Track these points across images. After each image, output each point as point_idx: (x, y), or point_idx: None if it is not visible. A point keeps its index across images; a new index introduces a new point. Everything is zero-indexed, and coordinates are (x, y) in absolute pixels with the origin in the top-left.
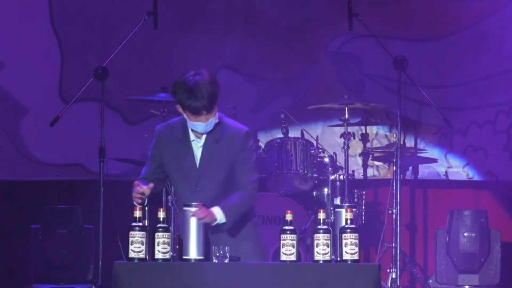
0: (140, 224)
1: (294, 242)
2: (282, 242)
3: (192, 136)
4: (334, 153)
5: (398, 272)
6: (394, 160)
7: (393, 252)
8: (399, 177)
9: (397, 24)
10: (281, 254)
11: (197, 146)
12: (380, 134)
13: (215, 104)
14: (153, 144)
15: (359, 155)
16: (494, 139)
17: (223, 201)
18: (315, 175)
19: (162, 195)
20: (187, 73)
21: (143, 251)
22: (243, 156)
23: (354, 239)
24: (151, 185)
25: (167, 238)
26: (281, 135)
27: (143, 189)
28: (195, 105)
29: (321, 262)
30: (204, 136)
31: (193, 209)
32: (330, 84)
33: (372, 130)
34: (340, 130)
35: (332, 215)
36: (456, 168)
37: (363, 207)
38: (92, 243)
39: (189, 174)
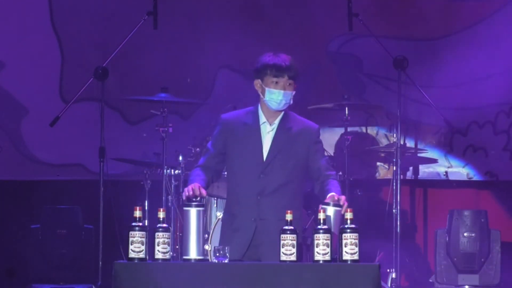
0: (140, 224)
1: (294, 242)
2: (282, 242)
3: (262, 119)
4: (334, 153)
5: (398, 272)
6: (394, 160)
7: (393, 252)
8: (399, 177)
9: (397, 24)
10: (281, 254)
11: (266, 130)
12: (380, 134)
13: (296, 79)
14: (216, 132)
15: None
16: (494, 139)
17: (333, 188)
18: None
19: (162, 195)
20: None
21: (143, 251)
22: (318, 147)
23: (354, 239)
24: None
25: (167, 238)
26: None
27: (198, 192)
28: (279, 68)
29: (321, 262)
30: (276, 122)
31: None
32: (330, 84)
33: (372, 130)
34: (340, 130)
35: None
36: (456, 168)
37: (363, 207)
38: (92, 243)
39: (255, 161)
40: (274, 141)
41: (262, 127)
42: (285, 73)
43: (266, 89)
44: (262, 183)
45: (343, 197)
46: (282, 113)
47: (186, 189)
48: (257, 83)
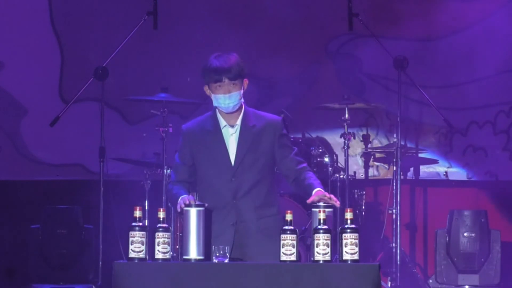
0: (140, 224)
1: (294, 242)
2: (282, 242)
3: (222, 123)
4: (335, 153)
5: (398, 272)
6: (394, 160)
7: (393, 252)
8: (399, 177)
9: (397, 24)
10: (281, 254)
11: (229, 133)
12: (380, 134)
13: (240, 79)
14: (181, 144)
15: (361, 157)
16: (494, 139)
17: (314, 182)
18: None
19: (162, 195)
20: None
21: (143, 251)
22: (284, 140)
23: (354, 239)
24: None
25: (167, 238)
26: None
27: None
28: (216, 72)
29: (321, 262)
30: (238, 123)
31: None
32: (330, 84)
33: (372, 130)
34: (340, 130)
35: None
36: (456, 168)
37: (363, 207)
38: (92, 243)
39: (224, 166)
40: (240, 142)
41: (223, 130)
42: (224, 76)
43: (213, 96)
44: (235, 186)
45: (332, 196)
46: (242, 112)
47: (180, 201)
48: (206, 88)
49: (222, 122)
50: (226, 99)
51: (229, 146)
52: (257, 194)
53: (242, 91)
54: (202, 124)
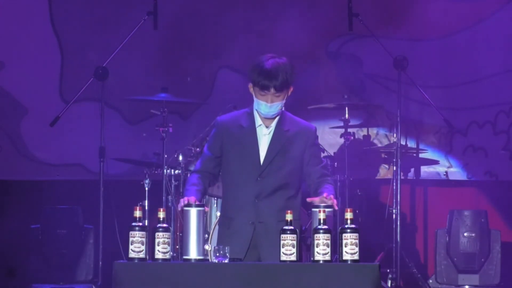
0: (140, 224)
1: (294, 242)
2: (282, 242)
3: (258, 121)
4: (334, 153)
5: (398, 272)
6: (394, 160)
7: (393, 252)
8: (399, 177)
9: (397, 24)
10: (281, 254)
11: (262, 133)
12: (380, 134)
13: (286, 90)
14: (212, 135)
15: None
16: (494, 139)
17: (324, 190)
18: None
19: (162, 195)
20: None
21: (143, 251)
22: (315, 150)
23: (354, 239)
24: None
25: (167, 238)
26: None
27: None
28: (264, 80)
29: (321, 262)
30: (273, 125)
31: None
32: (330, 84)
33: (372, 130)
34: (340, 130)
35: None
36: (456, 168)
37: (363, 207)
38: (92, 243)
39: (252, 164)
40: (271, 143)
41: (258, 129)
42: (270, 86)
43: (255, 98)
44: (259, 186)
45: (331, 196)
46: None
47: (181, 201)
48: (250, 86)
49: (258, 120)
50: (267, 107)
51: (261, 145)
52: (280, 197)
53: (284, 101)
54: (237, 119)
